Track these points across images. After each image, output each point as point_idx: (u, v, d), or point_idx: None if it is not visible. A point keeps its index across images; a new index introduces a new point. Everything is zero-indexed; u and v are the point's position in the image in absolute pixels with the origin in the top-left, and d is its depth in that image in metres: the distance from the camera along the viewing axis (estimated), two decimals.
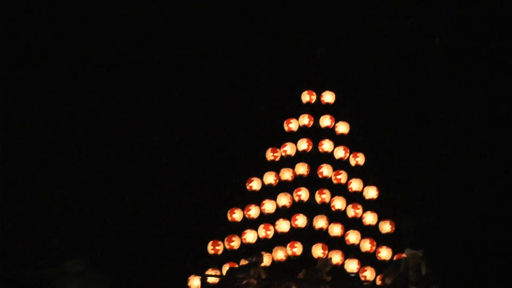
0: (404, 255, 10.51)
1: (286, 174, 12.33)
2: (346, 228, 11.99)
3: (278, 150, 12.67)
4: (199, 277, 10.84)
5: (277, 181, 12.35)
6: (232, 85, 14.63)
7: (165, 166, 14.43)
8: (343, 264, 11.83)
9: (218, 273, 11.52)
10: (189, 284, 11.39)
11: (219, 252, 11.92)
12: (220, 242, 11.95)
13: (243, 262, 11.46)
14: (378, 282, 11.06)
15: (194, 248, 12.38)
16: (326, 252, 11.76)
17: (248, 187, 12.39)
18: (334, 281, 10.94)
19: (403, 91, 14.05)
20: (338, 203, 12.05)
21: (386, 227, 12.04)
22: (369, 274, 11.63)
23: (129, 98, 14.76)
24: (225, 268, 11.67)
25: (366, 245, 11.88)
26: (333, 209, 12.06)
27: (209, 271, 11.51)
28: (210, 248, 11.93)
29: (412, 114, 14.04)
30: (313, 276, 10.98)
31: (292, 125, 12.86)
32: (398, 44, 13.80)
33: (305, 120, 12.82)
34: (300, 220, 11.89)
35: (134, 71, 14.33)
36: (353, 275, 11.53)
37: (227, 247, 11.93)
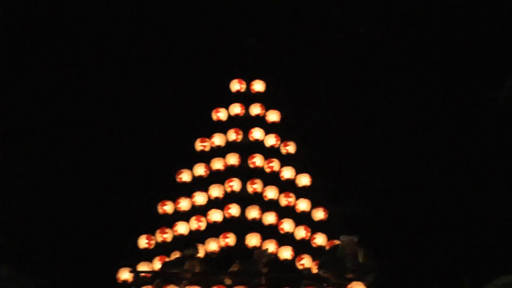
0: (339, 242, 10.53)
1: (217, 165, 12.15)
2: (280, 217, 11.90)
3: (207, 140, 12.48)
4: (130, 271, 10.59)
5: (208, 172, 12.16)
6: (160, 75, 14.34)
7: (93, 159, 14.07)
8: (277, 253, 11.76)
9: (150, 267, 11.29)
10: (118, 276, 11.09)
11: (150, 246, 11.68)
12: (151, 235, 11.71)
13: (176, 254, 11.26)
14: (315, 269, 10.99)
15: (124, 242, 12.12)
16: (260, 241, 11.69)
17: (178, 179, 12.17)
18: (270, 272, 10.85)
19: (334, 78, 14.06)
20: (271, 193, 11.95)
21: (319, 214, 12.00)
22: (306, 261, 11.58)
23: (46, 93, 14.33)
24: (156, 261, 11.45)
25: (301, 232, 11.81)
26: (265, 198, 11.95)
27: (141, 265, 11.27)
28: (141, 242, 11.67)
29: (343, 102, 14.06)
30: (250, 269, 10.86)
31: (221, 114, 12.67)
32: (328, 33, 13.80)
33: (235, 109, 12.65)
34: (233, 210, 11.75)
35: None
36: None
37: (159, 240, 11.70)
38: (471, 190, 13.34)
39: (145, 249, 11.66)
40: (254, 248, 11.37)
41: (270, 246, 11.60)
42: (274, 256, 11.55)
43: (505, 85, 11.63)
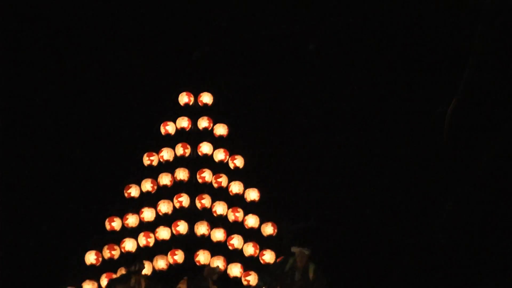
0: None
1: (165, 179, 11.99)
2: (228, 233, 11.80)
3: (155, 154, 12.32)
4: None
5: (155, 187, 11.99)
6: (108, 87, 14.12)
7: (41, 172, 13.78)
8: (226, 270, 11.66)
9: (95, 285, 11.09)
10: None
11: (98, 263, 11.48)
12: (97, 252, 11.51)
13: (122, 271, 11.08)
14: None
15: (70, 258, 11.90)
16: (209, 258, 11.57)
17: (126, 194, 11.99)
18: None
19: (283, 92, 14.02)
20: (219, 208, 11.83)
21: (268, 229, 11.93)
22: (252, 278, 11.50)
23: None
24: (103, 279, 11.26)
25: (249, 249, 11.73)
26: (214, 214, 11.83)
27: (86, 283, 11.07)
28: (87, 258, 11.47)
29: (291, 115, 14.04)
30: (199, 286, 10.72)
31: (169, 127, 12.53)
32: (275, 45, 13.76)
33: (183, 122, 12.51)
34: (181, 227, 11.60)
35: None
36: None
37: (106, 256, 11.50)
38: (422, 200, 13.41)
39: (92, 266, 11.45)
40: (203, 265, 11.24)
41: (218, 262, 11.50)
42: (223, 272, 11.44)
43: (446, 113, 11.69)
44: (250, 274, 11.49)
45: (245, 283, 11.53)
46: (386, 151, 13.60)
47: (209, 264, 11.38)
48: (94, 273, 11.44)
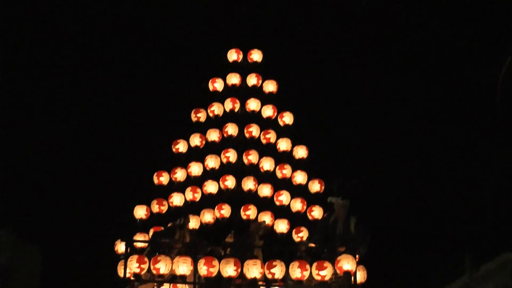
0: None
1: (213, 135, 12.01)
2: (275, 189, 11.79)
3: (202, 110, 12.31)
4: (122, 240, 10.53)
5: (203, 142, 12.02)
6: (157, 44, 14.20)
7: (91, 132, 14.01)
8: (273, 226, 11.68)
9: (145, 237, 11.22)
10: (116, 249, 11.03)
11: (147, 217, 11.61)
12: (146, 206, 11.63)
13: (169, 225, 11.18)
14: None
15: (120, 213, 12.06)
16: (256, 214, 11.62)
17: (174, 150, 12.05)
18: (266, 244, 10.78)
19: (332, 50, 13.89)
20: (267, 164, 11.81)
21: (315, 186, 11.87)
22: (303, 234, 11.52)
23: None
24: (152, 232, 11.39)
25: (297, 205, 11.70)
26: (262, 170, 11.82)
27: (136, 236, 11.21)
28: (137, 213, 11.60)
29: (340, 74, 13.91)
30: (245, 241, 10.77)
31: (217, 84, 12.51)
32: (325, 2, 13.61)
33: (233, 79, 12.48)
34: (229, 182, 11.63)
35: None
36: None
37: (154, 211, 11.62)
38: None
39: (141, 220, 11.58)
40: (250, 220, 11.29)
41: (266, 218, 11.54)
42: (270, 228, 11.48)
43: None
44: (301, 231, 11.51)
45: (297, 239, 11.54)
46: (437, 110, 13.41)
47: (256, 219, 11.42)
48: (143, 227, 11.57)
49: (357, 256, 9.37)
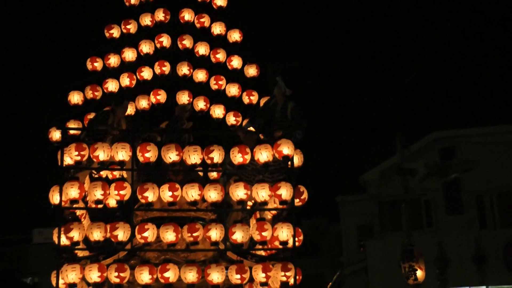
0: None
1: (146, 20, 11.75)
2: (210, 74, 11.78)
3: None
4: (57, 128, 10.45)
5: (137, 27, 11.78)
6: None
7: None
8: (208, 110, 11.74)
9: (79, 125, 11.15)
10: (50, 136, 10.94)
11: (81, 103, 11.48)
12: (80, 92, 11.47)
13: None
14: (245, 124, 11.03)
15: (54, 99, 11.88)
16: (191, 99, 11.64)
17: (107, 35, 11.81)
18: (198, 128, 10.86)
19: None
20: (202, 49, 11.72)
21: (251, 70, 11.87)
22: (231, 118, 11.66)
23: None
24: (87, 118, 11.32)
25: (232, 90, 11.73)
26: (197, 55, 11.73)
27: (70, 123, 11.12)
28: (71, 98, 11.45)
29: None
30: (175, 126, 10.85)
31: None
32: None
33: None
34: (165, 68, 11.55)
35: None
36: None
37: (88, 97, 11.48)
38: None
39: (76, 106, 11.44)
40: (177, 106, 11.31)
41: (200, 103, 11.59)
42: (203, 112, 11.58)
43: None
44: (239, 115, 11.62)
45: (233, 122, 11.66)
46: None
47: (177, 103, 11.47)
48: (78, 113, 11.45)
49: None
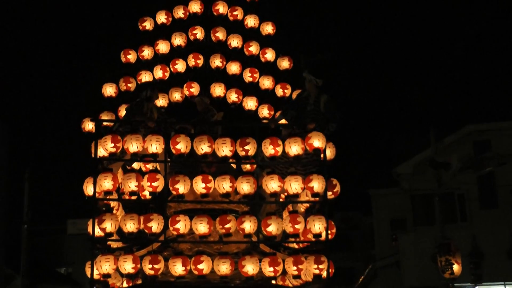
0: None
1: (179, 12, 11.79)
2: (243, 66, 11.78)
3: None
4: (91, 119, 10.52)
5: (170, 20, 11.83)
6: None
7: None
8: (241, 103, 11.74)
9: (112, 116, 11.22)
10: (83, 126, 11.04)
11: (115, 95, 11.56)
12: (115, 84, 11.55)
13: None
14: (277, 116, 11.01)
15: (88, 91, 11.97)
16: (225, 91, 11.66)
17: (140, 28, 11.87)
18: (231, 120, 10.86)
19: None
20: (234, 41, 11.72)
21: (284, 63, 11.85)
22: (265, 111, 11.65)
23: None
24: (121, 110, 11.40)
25: (266, 82, 11.72)
26: (229, 47, 11.74)
27: (103, 115, 11.20)
28: (105, 91, 11.53)
29: None
30: (205, 116, 10.89)
31: None
32: None
33: None
34: (198, 60, 11.59)
35: None
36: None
37: (122, 89, 11.57)
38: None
39: (110, 98, 11.53)
40: (196, 99, 11.35)
41: (233, 95, 11.61)
42: (236, 104, 11.61)
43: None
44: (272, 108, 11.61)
45: (266, 115, 11.67)
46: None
47: (197, 96, 11.49)
48: (111, 105, 11.53)
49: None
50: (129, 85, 11.53)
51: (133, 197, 9.33)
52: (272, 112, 11.72)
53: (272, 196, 9.28)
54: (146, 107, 10.34)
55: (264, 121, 11.51)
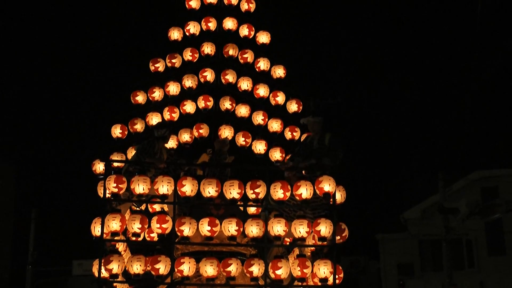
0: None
1: (189, 55, 11.88)
2: (253, 109, 11.80)
3: (179, 29, 12.15)
4: (101, 160, 10.53)
5: (181, 62, 11.89)
6: None
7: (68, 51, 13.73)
8: (250, 145, 11.72)
9: (122, 157, 11.22)
10: (93, 169, 11.03)
11: (123, 136, 11.58)
12: (123, 125, 11.58)
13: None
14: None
15: (98, 132, 12.00)
16: (233, 133, 11.66)
17: (152, 69, 11.94)
18: (241, 162, 10.82)
19: None
20: (244, 84, 11.76)
21: (293, 106, 11.87)
22: (277, 154, 11.61)
23: None
24: (130, 152, 11.40)
25: (275, 125, 11.73)
26: (239, 90, 11.78)
27: (113, 156, 11.20)
28: (113, 132, 11.56)
29: None
30: (218, 159, 10.85)
31: (193, 2, 12.31)
32: None
33: None
34: (208, 103, 11.62)
35: None
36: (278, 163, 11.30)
37: (132, 130, 11.59)
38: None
39: (118, 139, 11.55)
40: (216, 140, 11.35)
41: (240, 140, 11.60)
42: (245, 147, 11.58)
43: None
44: (276, 150, 11.58)
45: (279, 158, 11.62)
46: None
47: (218, 137, 11.48)
48: (121, 146, 11.54)
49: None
50: (136, 127, 11.55)
51: (139, 239, 9.28)
52: (284, 155, 11.68)
53: (276, 239, 9.20)
54: (157, 147, 10.33)
55: (277, 164, 11.45)
